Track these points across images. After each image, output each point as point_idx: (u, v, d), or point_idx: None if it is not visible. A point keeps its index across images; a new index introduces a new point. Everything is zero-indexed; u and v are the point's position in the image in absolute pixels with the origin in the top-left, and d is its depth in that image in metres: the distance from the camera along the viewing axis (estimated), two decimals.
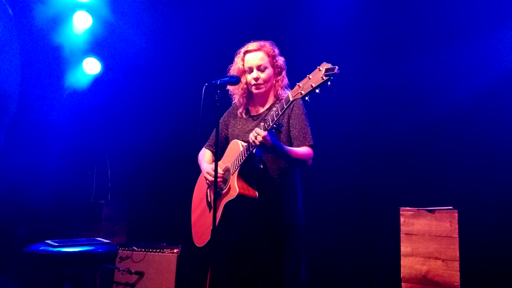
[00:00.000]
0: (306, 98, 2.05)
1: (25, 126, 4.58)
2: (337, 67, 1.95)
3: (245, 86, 2.59)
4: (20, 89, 4.39)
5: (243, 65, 2.57)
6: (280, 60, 2.57)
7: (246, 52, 2.57)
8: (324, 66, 1.97)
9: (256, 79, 2.51)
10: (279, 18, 4.58)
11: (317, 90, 2.00)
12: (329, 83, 1.96)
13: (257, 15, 4.58)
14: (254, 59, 2.53)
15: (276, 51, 2.57)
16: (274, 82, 2.55)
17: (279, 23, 4.55)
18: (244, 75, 2.57)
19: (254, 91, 2.55)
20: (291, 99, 2.11)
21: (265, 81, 2.52)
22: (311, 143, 2.43)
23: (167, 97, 5.05)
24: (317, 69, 2.00)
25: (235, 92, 2.64)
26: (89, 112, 5.10)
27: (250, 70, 2.53)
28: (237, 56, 2.62)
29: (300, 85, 2.07)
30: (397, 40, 4.15)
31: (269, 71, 2.53)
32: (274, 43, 2.61)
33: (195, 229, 2.68)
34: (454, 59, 3.87)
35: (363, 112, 4.24)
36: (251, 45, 2.57)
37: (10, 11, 4.20)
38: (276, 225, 2.42)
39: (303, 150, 2.40)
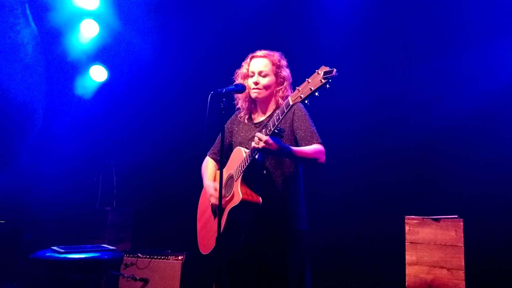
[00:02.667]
0: (306, 101, 2.06)
1: (31, 133, 4.64)
2: (335, 69, 1.94)
3: (248, 91, 2.63)
4: (46, 104, 4.54)
5: (247, 69, 2.62)
6: (285, 71, 2.60)
7: (253, 57, 2.62)
8: (323, 69, 1.98)
9: (256, 83, 2.56)
10: (284, 25, 4.60)
11: (317, 94, 2.00)
12: (328, 85, 1.96)
13: (261, 21, 4.60)
14: (258, 64, 2.58)
15: (283, 62, 2.61)
16: (274, 91, 2.58)
17: (283, 30, 4.57)
18: (247, 79, 2.62)
19: (253, 95, 2.59)
20: (291, 103, 2.12)
21: (265, 87, 2.56)
22: (319, 141, 2.43)
23: (172, 104, 5.08)
24: (316, 73, 2.01)
25: (239, 96, 2.69)
26: (95, 119, 5.14)
27: (252, 74, 2.58)
28: (245, 61, 2.67)
29: (300, 89, 2.07)
30: (404, 46, 4.15)
31: (270, 78, 2.56)
32: (283, 55, 2.65)
33: (201, 237, 2.70)
34: (462, 66, 3.87)
35: (368, 119, 4.24)
36: (259, 52, 2.62)
37: (36, 30, 4.34)
38: (280, 231, 2.43)
39: (312, 147, 2.40)
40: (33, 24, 4.35)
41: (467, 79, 3.86)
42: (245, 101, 2.67)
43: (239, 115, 2.75)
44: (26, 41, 4.28)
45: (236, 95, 2.69)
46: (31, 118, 4.45)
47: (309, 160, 2.40)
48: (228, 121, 2.80)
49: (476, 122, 3.79)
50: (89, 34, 4.77)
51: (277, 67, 2.57)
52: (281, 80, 2.58)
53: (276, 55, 2.60)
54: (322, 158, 2.40)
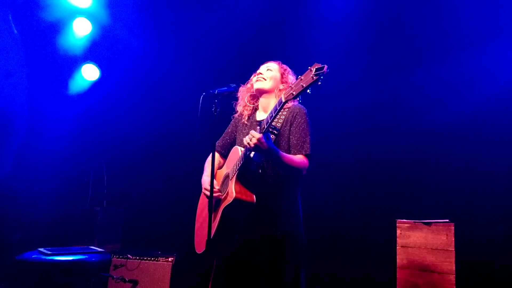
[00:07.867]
0: (298, 98, 2.10)
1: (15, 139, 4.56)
2: (326, 66, 1.97)
3: (249, 97, 2.68)
4: (28, 112, 4.46)
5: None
6: (290, 78, 2.64)
7: (264, 63, 2.70)
8: (315, 66, 2.01)
9: (260, 73, 2.62)
10: (281, 26, 4.56)
11: (308, 91, 2.03)
12: (319, 82, 1.99)
13: (257, 20, 4.54)
14: (266, 65, 2.68)
15: (289, 71, 2.67)
16: (277, 90, 2.59)
17: (281, 30, 4.52)
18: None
19: (255, 84, 2.62)
20: (283, 100, 2.16)
21: (268, 78, 2.60)
22: (307, 153, 2.44)
23: (164, 104, 5.04)
24: (308, 70, 2.04)
25: (242, 108, 2.72)
26: (86, 118, 5.09)
27: (260, 72, 2.65)
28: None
29: (293, 86, 2.11)
30: (398, 50, 4.16)
31: (274, 73, 2.62)
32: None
33: (197, 236, 2.69)
34: (454, 72, 3.88)
35: (361, 124, 4.24)
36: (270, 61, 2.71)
37: (15, 30, 4.25)
38: (275, 233, 2.41)
39: (298, 158, 2.41)
40: (15, 30, 4.27)
41: (459, 85, 3.87)
42: (247, 109, 2.70)
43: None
44: (8, 46, 4.18)
45: (238, 109, 2.74)
46: (14, 123, 4.35)
47: (292, 168, 2.40)
48: (236, 115, 2.82)
49: (468, 128, 3.81)
50: (81, 32, 4.72)
51: (284, 69, 2.65)
52: (285, 80, 2.62)
53: (283, 65, 2.69)
54: (304, 171, 2.44)
